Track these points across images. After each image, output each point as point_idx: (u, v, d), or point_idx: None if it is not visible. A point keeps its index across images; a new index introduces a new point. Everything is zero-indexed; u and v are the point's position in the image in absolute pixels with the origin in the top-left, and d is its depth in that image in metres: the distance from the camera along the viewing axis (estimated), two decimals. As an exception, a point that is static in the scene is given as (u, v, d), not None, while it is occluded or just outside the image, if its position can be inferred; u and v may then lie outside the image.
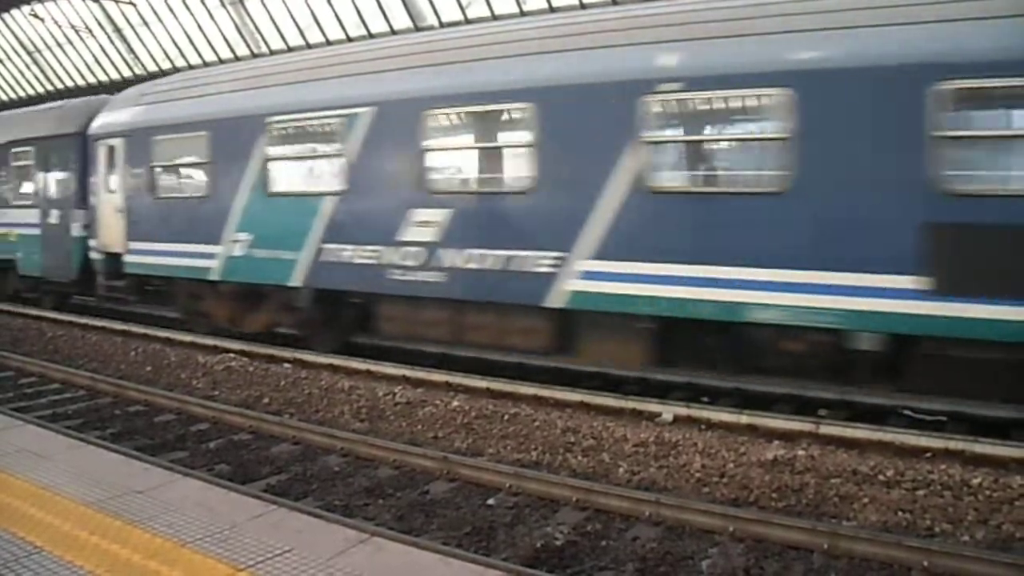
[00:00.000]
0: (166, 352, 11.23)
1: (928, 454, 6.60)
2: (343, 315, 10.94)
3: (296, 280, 10.39)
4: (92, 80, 32.26)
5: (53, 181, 14.64)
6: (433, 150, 9.31)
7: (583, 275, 8.20)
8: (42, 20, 29.50)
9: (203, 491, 4.85)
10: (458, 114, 9.37)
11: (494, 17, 20.34)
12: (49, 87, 34.46)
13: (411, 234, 9.30)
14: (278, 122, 10.61)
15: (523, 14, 19.87)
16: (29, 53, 34.57)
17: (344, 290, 10.26)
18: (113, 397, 9.07)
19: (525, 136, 8.57)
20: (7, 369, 10.36)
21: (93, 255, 13.40)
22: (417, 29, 21.75)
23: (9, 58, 35.85)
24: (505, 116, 9.06)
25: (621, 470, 6.55)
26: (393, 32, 22.17)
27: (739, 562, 4.97)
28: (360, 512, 5.76)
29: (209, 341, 11.58)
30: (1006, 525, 5.39)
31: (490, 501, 6.00)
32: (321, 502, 5.93)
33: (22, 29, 33.48)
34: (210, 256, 11.29)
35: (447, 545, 4.96)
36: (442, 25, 21.28)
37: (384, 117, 9.54)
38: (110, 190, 12.90)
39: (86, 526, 4.16)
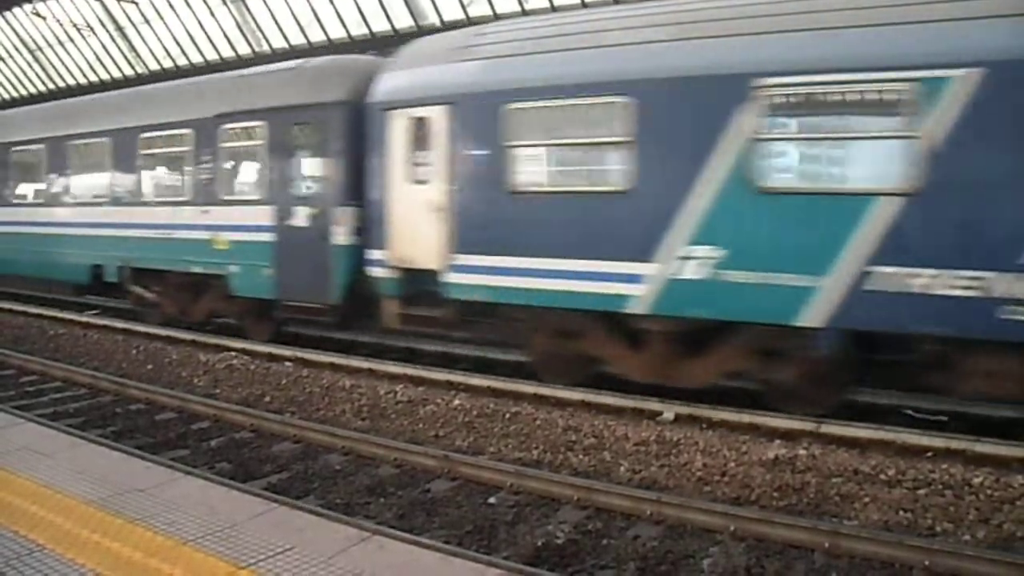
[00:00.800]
0: (167, 350, 11.23)
1: (929, 453, 6.59)
2: (853, 366, 7.73)
3: (812, 317, 7.17)
4: (94, 79, 32.29)
5: (299, 168, 10.82)
6: None
7: None
8: (44, 18, 29.54)
9: (204, 489, 4.86)
10: None
11: (496, 16, 20.32)
12: (51, 85, 34.49)
13: None
14: (782, 85, 7.26)
15: (525, 14, 19.84)
16: (31, 51, 34.60)
17: (910, 332, 7.10)
18: (114, 395, 9.07)
19: None
20: (9, 367, 10.37)
21: (376, 271, 9.74)
22: (419, 28, 21.74)
23: (11, 56, 35.88)
24: None
25: (622, 469, 6.55)
26: (396, 32, 22.17)
27: (740, 561, 4.97)
28: (361, 511, 5.77)
29: (210, 339, 11.58)
30: (1007, 524, 5.39)
31: (491, 500, 6.00)
32: (322, 500, 5.94)
33: (24, 27, 33.50)
34: (630, 278, 7.91)
35: (448, 544, 4.96)
36: (444, 25, 21.24)
37: (1002, 82, 6.42)
38: (417, 180, 9.32)
39: (87, 524, 4.17)
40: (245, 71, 12.67)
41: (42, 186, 14.67)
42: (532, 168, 8.79)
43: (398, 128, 9.44)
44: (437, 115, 9.09)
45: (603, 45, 8.30)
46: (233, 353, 10.87)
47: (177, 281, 12.44)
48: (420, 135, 9.27)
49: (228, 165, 11.64)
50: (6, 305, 15.26)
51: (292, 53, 22.10)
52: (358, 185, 9.95)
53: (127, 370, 10.34)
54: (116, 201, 13.15)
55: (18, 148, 15.26)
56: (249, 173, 11.50)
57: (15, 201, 15.40)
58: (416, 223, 9.29)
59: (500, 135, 8.60)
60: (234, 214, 11.32)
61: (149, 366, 10.50)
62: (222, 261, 11.41)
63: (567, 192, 8.63)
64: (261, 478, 6.46)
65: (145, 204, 12.72)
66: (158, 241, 12.34)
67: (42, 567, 3.69)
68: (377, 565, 3.76)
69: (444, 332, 9.90)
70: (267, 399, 8.90)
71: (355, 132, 9.94)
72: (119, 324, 12.95)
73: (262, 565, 3.71)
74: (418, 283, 9.43)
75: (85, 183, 13.99)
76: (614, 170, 8.16)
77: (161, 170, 12.99)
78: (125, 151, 12.88)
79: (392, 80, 9.69)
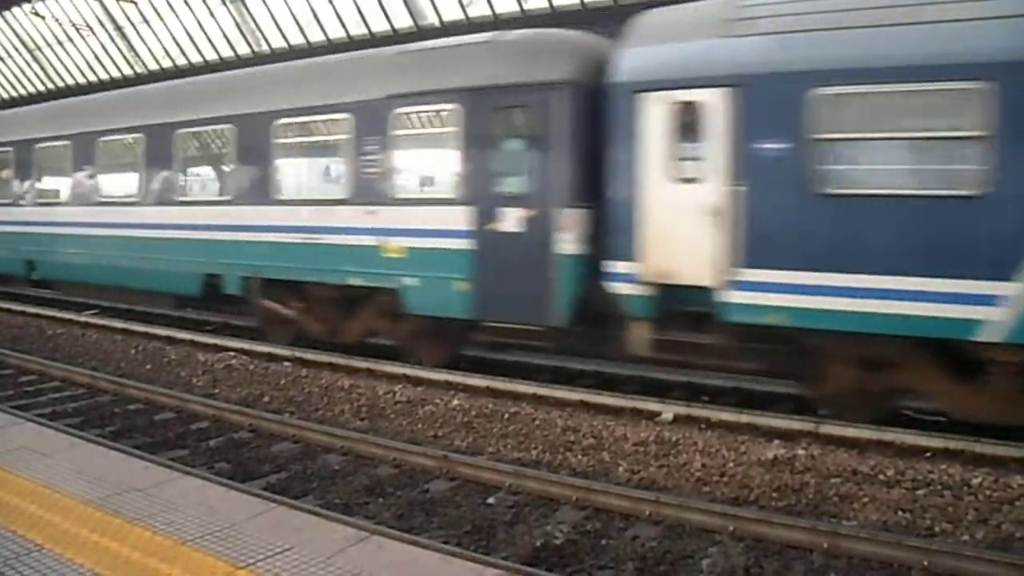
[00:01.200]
0: (166, 350, 11.21)
1: (928, 454, 6.60)
2: None
3: None
4: (93, 78, 32.28)
5: (508, 161, 8.92)
6: None
7: None
8: (43, 18, 29.53)
9: (203, 489, 4.85)
10: None
11: (495, 17, 20.35)
12: (50, 85, 34.48)
13: None
14: None
15: (525, 14, 19.87)
16: (30, 51, 34.59)
17: None
18: (113, 395, 9.07)
19: None
20: (7, 367, 10.35)
21: (619, 288, 8.02)
22: (419, 28, 21.77)
23: (10, 56, 35.87)
24: None
25: (621, 469, 6.55)
26: (395, 32, 22.21)
27: (739, 561, 4.97)
28: (360, 511, 5.77)
29: (209, 339, 11.57)
30: (1006, 525, 5.40)
31: (490, 500, 6.00)
32: (321, 500, 5.94)
33: (23, 27, 33.50)
34: (983, 300, 6.52)
35: (447, 544, 4.97)
36: (444, 25, 21.28)
37: None
38: (683, 178, 7.72)
39: (86, 524, 4.16)
40: (424, 44, 10.54)
41: (138, 182, 12.61)
42: (850, 166, 7.26)
43: (656, 114, 7.78)
44: (713, 99, 7.51)
45: (949, 19, 6.76)
46: (232, 353, 10.85)
47: (325, 295, 10.45)
48: (688, 123, 7.68)
49: (405, 157, 9.62)
50: (5, 305, 15.24)
51: (292, 53, 22.12)
52: (589, 182, 8.26)
53: (126, 370, 10.33)
54: (241, 199, 11.06)
55: (107, 138, 13.27)
56: (436, 167, 9.58)
57: (103, 199, 13.35)
58: (680, 230, 7.69)
59: (806, 125, 7.09)
60: (414, 216, 9.34)
61: (148, 366, 10.49)
62: (393, 272, 9.45)
63: (897, 196, 6.93)
64: (260, 478, 6.46)
65: (282, 203, 10.64)
66: (300, 247, 10.31)
67: (41, 567, 3.68)
68: (376, 565, 3.76)
69: (715, 362, 8.16)
70: (266, 399, 8.89)
71: (586, 118, 8.28)
72: (118, 324, 12.93)
73: (261, 565, 3.71)
74: (678, 302, 7.83)
75: (197, 178, 12.30)
76: (963, 170, 6.68)
77: (304, 163, 11.07)
78: (254, 140, 10.85)
79: (643, 57, 7.99)
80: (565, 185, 8.36)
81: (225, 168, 11.54)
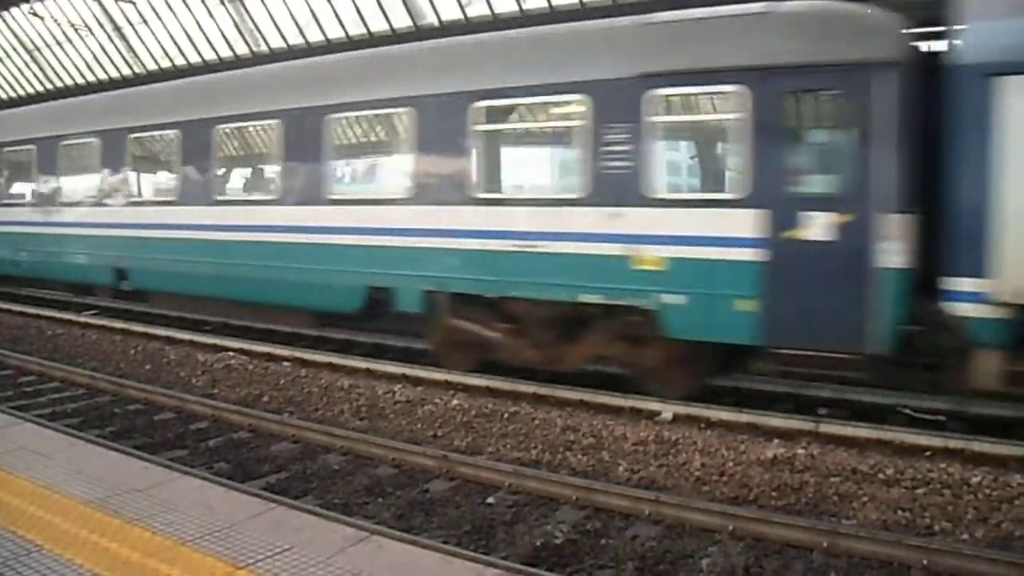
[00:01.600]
0: (165, 350, 11.21)
1: (927, 453, 6.61)
2: None
3: None
4: (92, 79, 32.27)
5: (813, 155, 7.78)
6: None
7: None
8: (41, 18, 29.51)
9: (202, 489, 4.85)
10: None
11: (494, 17, 20.35)
12: (48, 85, 34.47)
13: None
14: None
15: (523, 14, 19.87)
16: (28, 51, 34.56)
17: None
18: (112, 395, 9.06)
19: None
20: (7, 367, 10.35)
21: (963, 308, 6.74)
22: (417, 29, 21.77)
23: (8, 56, 35.85)
24: None
25: (621, 468, 6.55)
26: (394, 32, 22.22)
27: (739, 561, 4.97)
28: (360, 511, 5.77)
29: (208, 339, 11.57)
30: (1005, 523, 5.40)
31: (490, 500, 6.01)
32: (321, 501, 5.94)
33: (21, 27, 33.49)
34: None
35: (447, 544, 4.96)
36: (442, 25, 21.29)
37: None
38: None
39: (85, 524, 4.16)
40: (686, 13, 8.43)
41: (274, 177, 10.85)
42: None
43: (1021, 103, 6.47)
44: None
45: None
46: (231, 353, 10.85)
47: (540, 314, 8.63)
48: None
49: (664, 148, 8.04)
50: (4, 305, 15.23)
51: (290, 53, 22.11)
52: (918, 182, 7.00)
53: (125, 370, 10.32)
54: (424, 198, 9.20)
55: (229, 126, 11.49)
56: (710, 161, 8.31)
57: (224, 198, 11.58)
58: None
59: None
60: (678, 220, 7.74)
61: (147, 366, 10.49)
62: (648, 288, 7.83)
63: None
64: (259, 478, 6.46)
65: (485, 202, 8.85)
66: (511, 256, 8.54)
67: (40, 567, 3.68)
68: (376, 565, 3.76)
69: None
70: (265, 399, 8.89)
71: (915, 105, 6.98)
72: (117, 324, 12.92)
73: (260, 565, 3.71)
74: None
75: (357, 172, 10.80)
76: None
77: (517, 154, 9.52)
78: (443, 127, 9.03)
79: (1000, 33, 6.65)
80: (891, 186, 6.92)
81: (399, 160, 9.69)
